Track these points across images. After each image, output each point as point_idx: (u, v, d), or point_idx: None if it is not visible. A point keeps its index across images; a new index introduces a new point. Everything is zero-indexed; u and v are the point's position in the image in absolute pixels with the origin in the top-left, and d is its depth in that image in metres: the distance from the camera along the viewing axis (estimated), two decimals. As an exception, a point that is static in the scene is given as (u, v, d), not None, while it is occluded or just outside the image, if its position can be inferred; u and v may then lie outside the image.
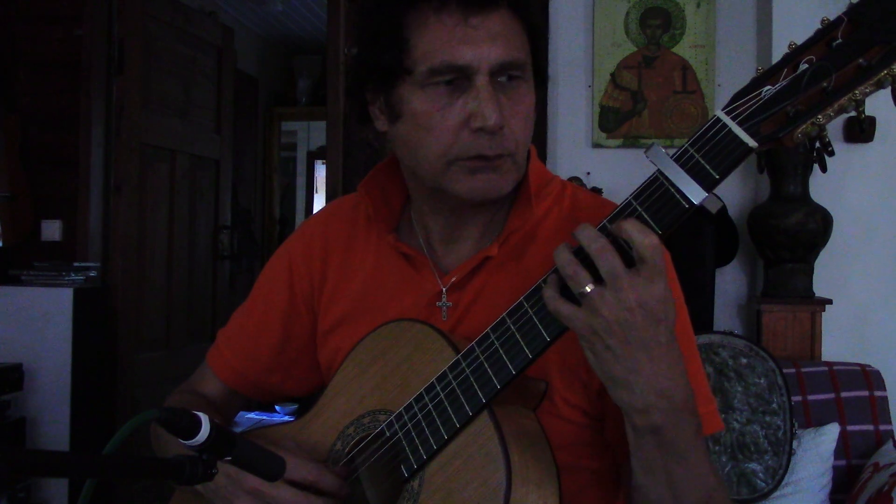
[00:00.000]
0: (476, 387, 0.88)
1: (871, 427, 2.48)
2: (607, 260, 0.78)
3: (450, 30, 0.93)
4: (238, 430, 1.05)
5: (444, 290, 1.04)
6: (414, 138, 0.98)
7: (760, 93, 0.78)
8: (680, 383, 0.82)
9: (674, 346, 0.81)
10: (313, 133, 7.15)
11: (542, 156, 3.08)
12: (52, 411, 3.16)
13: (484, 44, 0.93)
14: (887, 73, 0.73)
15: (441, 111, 0.95)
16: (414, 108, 0.96)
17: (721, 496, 0.89)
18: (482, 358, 0.88)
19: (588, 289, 0.79)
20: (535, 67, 1.00)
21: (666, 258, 0.86)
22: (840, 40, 0.75)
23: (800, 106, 0.76)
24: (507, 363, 0.86)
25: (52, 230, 3.47)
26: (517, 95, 0.97)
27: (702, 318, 2.76)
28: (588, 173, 3.09)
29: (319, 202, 7.19)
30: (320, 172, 7.08)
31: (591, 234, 0.80)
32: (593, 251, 0.79)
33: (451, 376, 0.90)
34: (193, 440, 0.74)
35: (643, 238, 0.78)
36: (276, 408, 5.54)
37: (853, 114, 0.76)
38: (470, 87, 0.94)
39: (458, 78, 0.94)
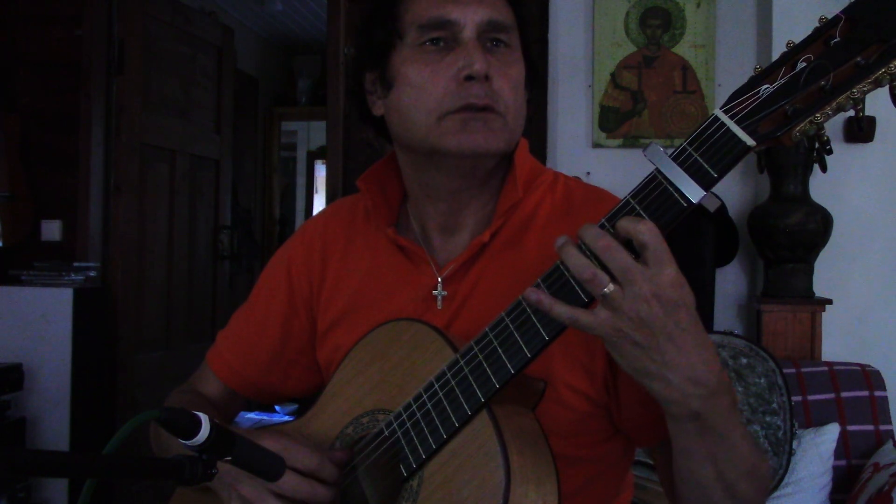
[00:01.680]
0: (475, 386, 0.87)
1: (871, 427, 2.48)
2: (616, 256, 0.77)
3: None
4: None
5: (440, 279, 1.04)
6: (407, 101, 1.01)
7: (758, 91, 0.77)
8: (712, 366, 0.81)
9: (698, 328, 0.81)
10: (313, 133, 7.15)
11: (542, 156, 3.08)
12: (52, 411, 3.16)
13: (471, 4, 1.00)
14: (885, 72, 0.73)
15: (431, 68, 0.99)
16: (406, 72, 1.01)
17: (762, 463, 0.90)
18: (481, 357, 0.88)
19: (609, 289, 0.77)
20: (522, 45, 1.05)
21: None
22: (838, 39, 0.75)
23: (798, 104, 0.76)
24: (506, 362, 0.86)
25: (52, 230, 3.47)
26: (505, 60, 1.01)
27: (702, 318, 2.75)
28: (588, 173, 3.09)
29: (319, 202, 7.19)
30: (320, 172, 7.09)
31: (594, 233, 0.78)
32: (599, 248, 0.77)
33: (449, 375, 0.90)
34: (193, 440, 0.75)
35: (638, 225, 0.77)
36: (276, 408, 5.54)
37: (852, 113, 0.76)
38: (457, 46, 0.99)
39: (446, 39, 1.00)
